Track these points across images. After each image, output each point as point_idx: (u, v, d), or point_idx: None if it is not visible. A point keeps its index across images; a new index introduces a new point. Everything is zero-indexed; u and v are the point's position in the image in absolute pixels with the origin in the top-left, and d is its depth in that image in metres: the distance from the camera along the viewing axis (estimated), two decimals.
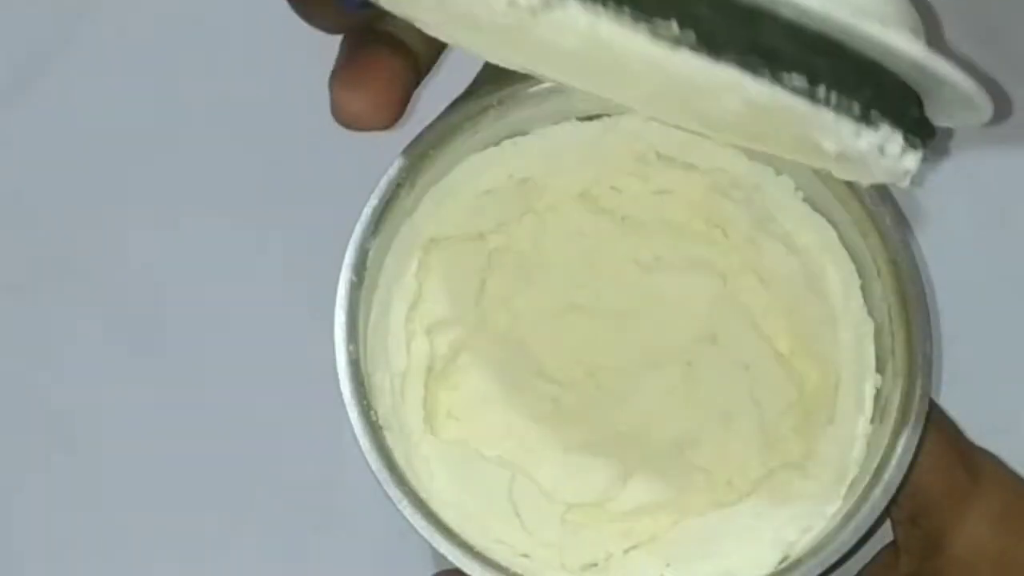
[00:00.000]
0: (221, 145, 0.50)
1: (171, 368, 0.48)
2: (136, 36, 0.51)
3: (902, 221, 0.39)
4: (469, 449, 0.39)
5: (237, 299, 0.48)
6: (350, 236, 0.38)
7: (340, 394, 0.37)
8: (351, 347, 0.37)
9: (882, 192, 0.39)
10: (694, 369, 0.40)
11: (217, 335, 0.48)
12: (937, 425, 0.39)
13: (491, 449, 0.40)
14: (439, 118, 0.39)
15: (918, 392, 0.37)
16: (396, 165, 0.39)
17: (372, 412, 0.37)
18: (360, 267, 0.38)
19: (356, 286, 0.38)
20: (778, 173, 0.41)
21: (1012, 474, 0.42)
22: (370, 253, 0.38)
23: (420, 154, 0.39)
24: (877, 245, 0.39)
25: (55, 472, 0.47)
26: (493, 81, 0.39)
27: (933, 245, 0.45)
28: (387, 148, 0.39)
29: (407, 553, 0.45)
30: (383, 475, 0.36)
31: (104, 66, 0.51)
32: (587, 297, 0.41)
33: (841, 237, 0.40)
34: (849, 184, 0.39)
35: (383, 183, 0.38)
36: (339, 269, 0.41)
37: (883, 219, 0.39)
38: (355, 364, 0.37)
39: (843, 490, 0.38)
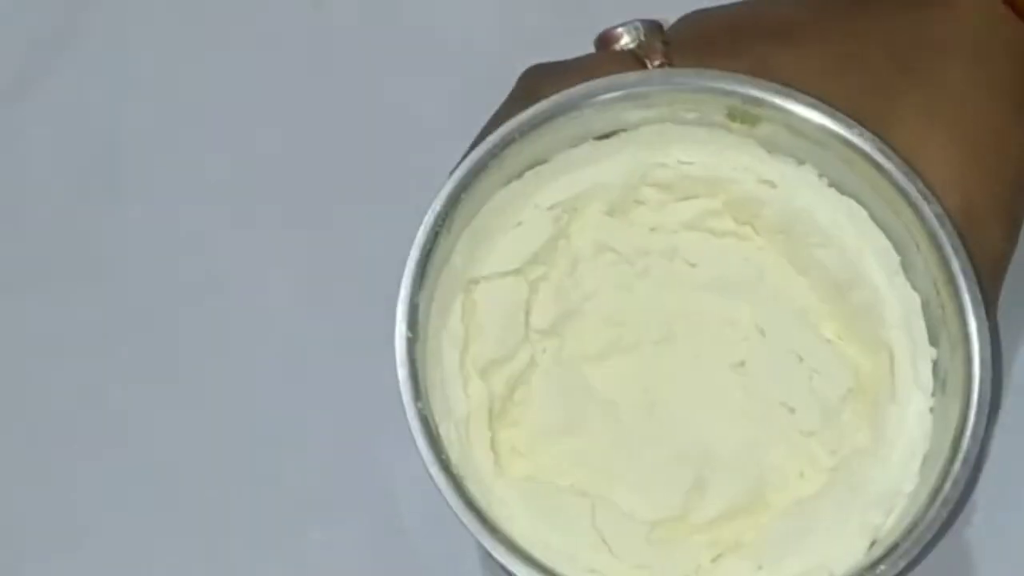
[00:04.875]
0: (222, 145, 0.50)
1: (171, 369, 0.48)
2: (136, 36, 0.52)
3: (932, 195, 0.39)
4: (544, 484, 0.39)
5: (238, 299, 0.49)
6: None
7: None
8: (419, 404, 0.37)
9: (910, 168, 0.39)
10: (748, 368, 0.40)
11: (218, 335, 0.48)
12: None
13: (562, 480, 0.39)
14: (465, 157, 0.39)
15: (977, 358, 0.38)
16: (432, 212, 0.38)
17: (452, 466, 0.37)
18: (413, 322, 0.38)
19: (412, 342, 0.37)
20: (800, 163, 0.41)
21: None
22: (420, 307, 0.38)
23: (453, 197, 0.38)
24: (912, 220, 0.39)
25: (55, 472, 0.47)
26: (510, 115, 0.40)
27: None
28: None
29: None
30: (475, 527, 0.36)
31: (104, 66, 0.51)
32: (630, 315, 0.41)
33: (873, 217, 0.40)
34: (876, 165, 0.39)
35: (421, 234, 0.38)
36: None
37: (915, 195, 0.39)
38: (425, 421, 0.37)
39: (916, 466, 0.38)
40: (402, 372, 0.37)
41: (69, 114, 0.51)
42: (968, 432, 0.37)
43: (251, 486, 0.47)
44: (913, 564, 0.37)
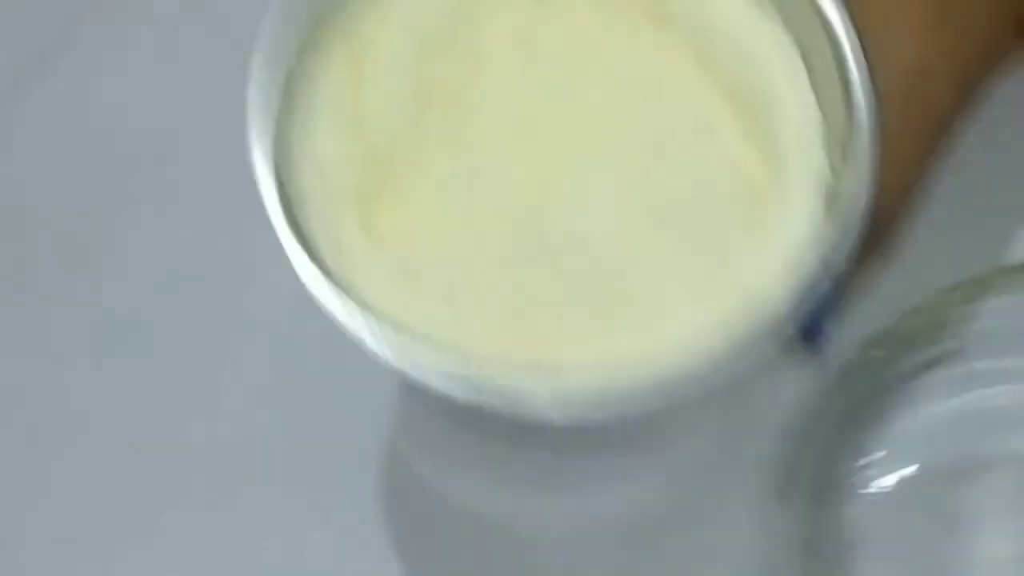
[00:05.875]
0: (223, 144, 0.50)
1: (169, 369, 0.48)
2: (136, 36, 0.53)
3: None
4: (416, 278, 0.38)
5: (238, 300, 0.49)
6: None
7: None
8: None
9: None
10: (642, 169, 0.40)
11: (217, 335, 0.48)
12: None
13: (436, 276, 0.39)
14: None
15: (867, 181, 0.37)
16: None
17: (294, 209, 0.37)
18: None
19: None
20: None
21: None
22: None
23: None
24: (825, 45, 0.39)
25: (56, 473, 0.47)
26: None
27: None
28: None
29: None
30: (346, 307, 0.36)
31: (104, 66, 0.52)
32: (530, 109, 0.40)
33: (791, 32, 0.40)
34: None
35: None
36: None
37: (833, 25, 0.39)
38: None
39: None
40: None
41: (69, 114, 0.52)
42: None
43: (251, 486, 0.47)
44: None
